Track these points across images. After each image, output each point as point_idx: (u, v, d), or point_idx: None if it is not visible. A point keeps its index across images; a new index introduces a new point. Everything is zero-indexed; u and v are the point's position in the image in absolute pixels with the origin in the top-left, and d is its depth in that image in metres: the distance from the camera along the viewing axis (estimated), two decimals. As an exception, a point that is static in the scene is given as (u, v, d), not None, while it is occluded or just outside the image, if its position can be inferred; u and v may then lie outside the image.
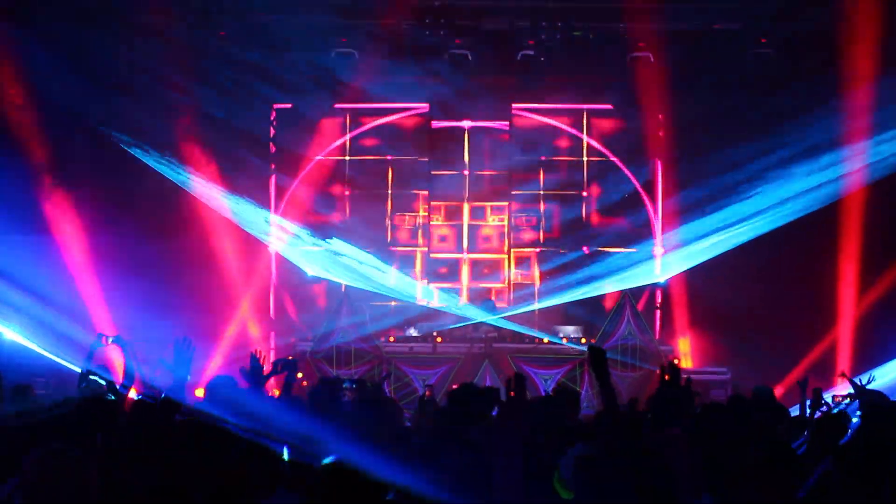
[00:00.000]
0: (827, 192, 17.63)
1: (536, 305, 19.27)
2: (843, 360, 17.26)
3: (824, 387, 12.56)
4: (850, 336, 17.73)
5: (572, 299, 18.54)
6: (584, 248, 19.52)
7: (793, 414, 10.32)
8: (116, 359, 12.10)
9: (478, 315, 17.79)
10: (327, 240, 19.26)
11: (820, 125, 17.34)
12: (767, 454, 6.32)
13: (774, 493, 5.62)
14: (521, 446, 4.88)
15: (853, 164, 17.40)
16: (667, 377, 7.28)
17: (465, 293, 20.07)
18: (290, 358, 10.11)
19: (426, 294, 19.52)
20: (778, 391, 16.08)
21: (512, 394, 5.16)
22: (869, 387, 10.67)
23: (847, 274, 17.93)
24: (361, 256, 19.16)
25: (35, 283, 16.40)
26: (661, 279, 19.32)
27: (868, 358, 16.77)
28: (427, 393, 14.22)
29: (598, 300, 18.93)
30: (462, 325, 17.69)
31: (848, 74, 17.18)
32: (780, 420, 8.86)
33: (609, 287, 19.33)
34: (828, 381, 16.07)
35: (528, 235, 20.33)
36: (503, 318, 17.91)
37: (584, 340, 17.75)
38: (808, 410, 10.51)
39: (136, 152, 18.03)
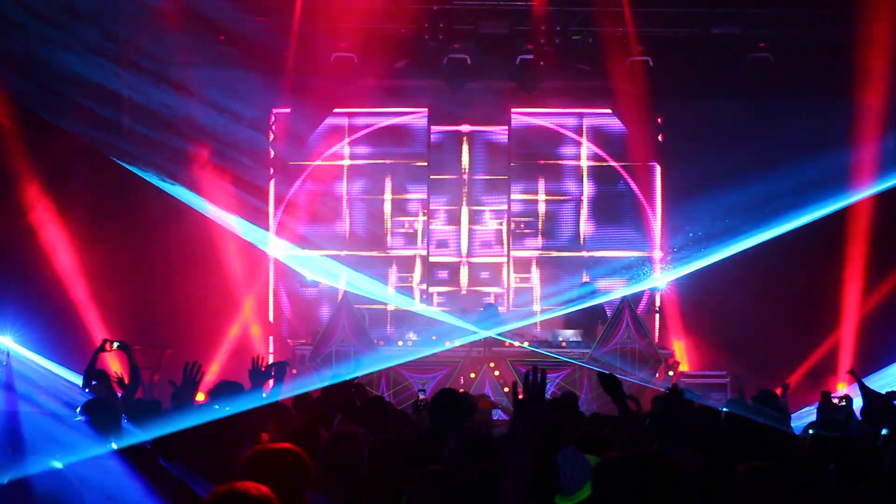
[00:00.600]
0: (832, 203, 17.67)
1: (537, 318, 19.18)
2: (845, 364, 17.23)
3: (823, 388, 12.57)
4: (853, 339, 17.68)
5: (571, 307, 18.39)
6: (584, 277, 19.33)
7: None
8: (114, 364, 12.11)
9: (480, 329, 17.57)
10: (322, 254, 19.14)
11: (825, 135, 17.39)
12: (768, 458, 6.33)
13: (778, 497, 5.61)
14: (533, 448, 4.83)
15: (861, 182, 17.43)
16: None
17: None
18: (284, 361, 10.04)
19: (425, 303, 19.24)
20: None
21: (521, 393, 5.06)
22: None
23: (850, 276, 17.90)
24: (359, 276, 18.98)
25: (29, 288, 16.43)
26: (661, 283, 19.31)
27: (871, 361, 16.76)
28: (421, 397, 14.18)
29: (598, 304, 18.88)
30: (467, 340, 17.43)
31: (855, 78, 17.26)
32: (784, 423, 8.83)
33: (608, 291, 19.42)
34: (822, 385, 16.07)
35: (526, 239, 20.32)
36: (502, 333, 17.66)
37: (564, 343, 17.63)
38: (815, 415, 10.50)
39: (135, 170, 18.00)
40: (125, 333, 17.61)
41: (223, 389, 9.55)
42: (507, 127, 20.13)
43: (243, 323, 18.97)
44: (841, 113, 17.46)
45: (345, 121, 20.20)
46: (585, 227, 20.19)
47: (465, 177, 20.28)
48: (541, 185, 20.30)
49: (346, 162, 20.31)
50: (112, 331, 17.50)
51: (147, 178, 18.15)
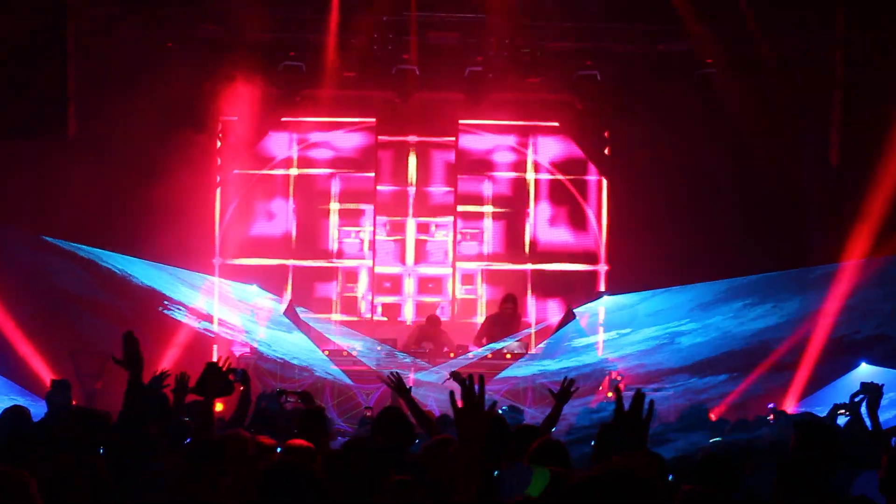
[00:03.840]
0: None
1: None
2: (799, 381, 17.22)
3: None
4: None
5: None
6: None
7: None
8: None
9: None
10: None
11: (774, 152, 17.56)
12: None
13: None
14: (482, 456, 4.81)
15: None
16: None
17: (410, 308, 20.05)
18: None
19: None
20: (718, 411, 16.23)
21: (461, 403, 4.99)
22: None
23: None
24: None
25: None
26: (605, 295, 19.37)
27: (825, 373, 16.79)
28: (368, 413, 14.17)
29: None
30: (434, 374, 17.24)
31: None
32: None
33: (553, 304, 19.57)
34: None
35: (472, 251, 20.34)
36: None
37: (509, 356, 17.59)
38: None
39: None
40: (64, 340, 17.50)
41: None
42: (454, 138, 20.15)
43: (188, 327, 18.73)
44: (788, 129, 17.70)
45: (292, 130, 20.13)
46: (531, 239, 20.25)
47: (412, 187, 20.29)
48: (487, 197, 20.35)
49: (293, 171, 20.23)
50: (48, 338, 17.40)
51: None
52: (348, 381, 16.97)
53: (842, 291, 16.87)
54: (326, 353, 17.65)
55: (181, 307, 17.99)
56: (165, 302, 17.89)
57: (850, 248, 17.18)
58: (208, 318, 18.52)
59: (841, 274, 16.98)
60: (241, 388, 9.81)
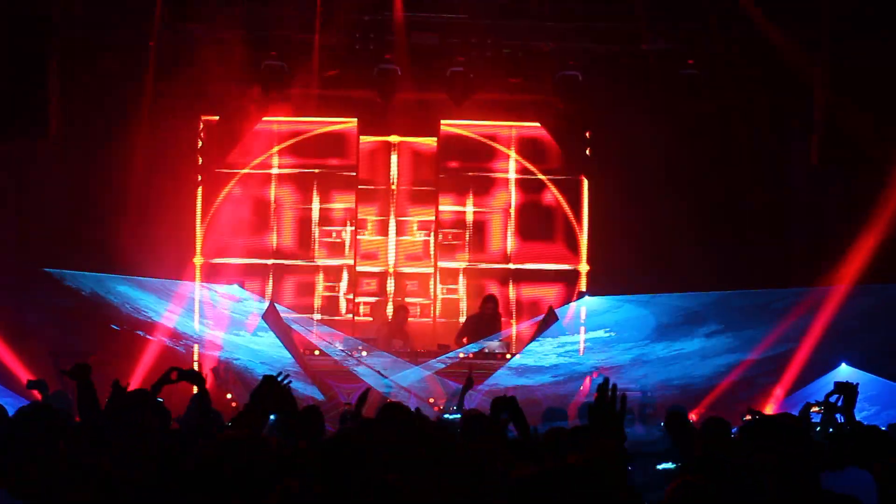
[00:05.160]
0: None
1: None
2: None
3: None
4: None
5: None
6: None
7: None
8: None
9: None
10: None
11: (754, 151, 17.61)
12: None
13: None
14: None
15: None
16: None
17: (390, 306, 20.04)
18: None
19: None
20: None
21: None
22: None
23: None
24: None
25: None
26: (587, 296, 19.38)
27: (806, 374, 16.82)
28: (348, 407, 14.15)
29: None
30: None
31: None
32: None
33: (535, 304, 19.59)
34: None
35: (454, 251, 20.34)
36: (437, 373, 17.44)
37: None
38: None
39: None
40: (45, 340, 17.43)
41: None
42: (436, 138, 20.16)
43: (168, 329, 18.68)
44: (769, 128, 17.77)
45: (274, 129, 20.10)
46: (513, 238, 20.28)
47: (394, 187, 20.28)
48: (469, 196, 20.36)
49: (275, 170, 20.22)
50: (27, 338, 17.33)
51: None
52: (320, 396, 16.89)
53: (822, 322, 16.89)
54: (306, 352, 17.65)
55: (154, 320, 17.92)
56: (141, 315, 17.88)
57: (835, 266, 17.21)
58: (188, 337, 18.43)
59: (823, 300, 16.97)
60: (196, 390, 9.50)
